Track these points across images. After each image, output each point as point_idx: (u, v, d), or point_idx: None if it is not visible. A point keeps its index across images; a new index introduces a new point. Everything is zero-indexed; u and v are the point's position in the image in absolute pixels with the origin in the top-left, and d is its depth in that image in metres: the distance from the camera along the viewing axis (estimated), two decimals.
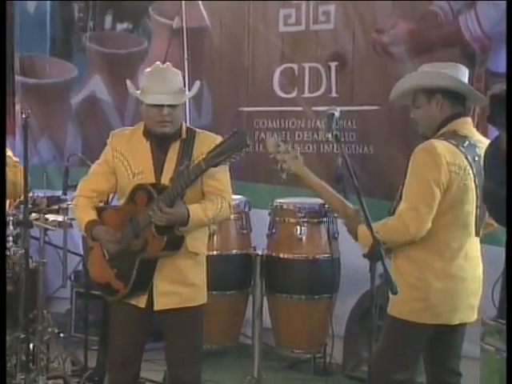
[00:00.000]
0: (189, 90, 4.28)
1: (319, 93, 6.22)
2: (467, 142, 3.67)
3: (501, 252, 3.48)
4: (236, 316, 5.41)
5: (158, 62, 4.21)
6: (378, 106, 5.77)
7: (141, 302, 4.08)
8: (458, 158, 3.61)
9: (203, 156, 3.82)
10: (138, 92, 4.07)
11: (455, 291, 3.70)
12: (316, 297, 5.24)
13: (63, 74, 7.67)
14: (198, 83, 4.19)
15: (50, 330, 5.39)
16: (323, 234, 5.22)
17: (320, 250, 5.20)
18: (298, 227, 5.21)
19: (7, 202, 6.13)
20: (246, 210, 5.42)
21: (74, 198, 4.27)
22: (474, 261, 3.78)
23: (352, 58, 6.03)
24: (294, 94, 6.35)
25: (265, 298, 5.31)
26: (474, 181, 3.66)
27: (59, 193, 5.69)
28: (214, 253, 5.26)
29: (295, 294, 5.20)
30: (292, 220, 5.24)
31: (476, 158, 3.68)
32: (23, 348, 5.17)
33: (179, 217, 3.91)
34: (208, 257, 5.22)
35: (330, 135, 3.51)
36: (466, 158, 3.64)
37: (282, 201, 5.30)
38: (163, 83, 4.02)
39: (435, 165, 3.55)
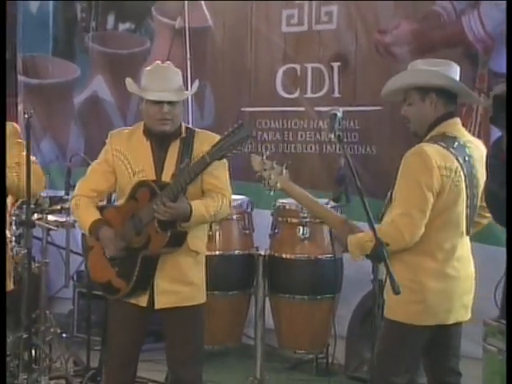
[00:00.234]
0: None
1: (322, 93, 6.22)
2: (457, 143, 3.66)
3: (504, 252, 3.47)
4: (238, 316, 5.41)
5: (158, 61, 4.24)
6: (381, 106, 5.76)
7: (141, 300, 4.08)
8: (448, 160, 3.60)
9: (207, 150, 3.85)
10: (139, 90, 4.09)
11: (450, 291, 3.70)
12: (318, 297, 5.24)
13: (66, 74, 7.67)
14: (197, 82, 4.24)
15: (52, 330, 5.39)
16: (325, 234, 5.21)
17: (322, 250, 5.21)
18: (301, 227, 5.21)
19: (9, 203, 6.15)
20: (249, 210, 5.43)
21: (72, 197, 4.25)
22: (465, 260, 3.78)
23: (354, 59, 6.02)
24: (296, 95, 6.34)
25: (267, 299, 5.31)
26: (465, 181, 3.66)
27: (62, 193, 5.70)
28: (217, 253, 5.28)
29: (298, 294, 5.21)
30: (294, 220, 5.24)
31: (466, 159, 3.67)
32: (26, 348, 5.17)
33: (182, 212, 3.92)
34: (210, 257, 5.24)
35: (332, 135, 3.51)
36: (457, 160, 3.63)
37: (284, 201, 5.29)
38: (164, 81, 4.05)
39: (426, 169, 3.54)
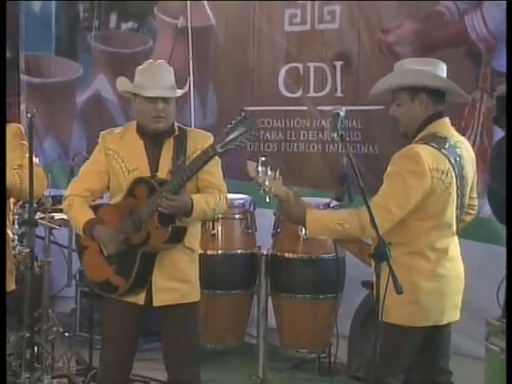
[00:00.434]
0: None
1: (324, 92, 6.21)
2: (448, 144, 3.65)
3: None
4: (241, 316, 5.41)
5: (150, 60, 4.27)
6: (383, 105, 5.75)
7: (140, 298, 4.10)
8: (440, 162, 3.59)
9: (210, 144, 3.89)
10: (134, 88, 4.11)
11: (442, 291, 3.70)
12: (321, 296, 5.24)
13: (68, 73, 7.68)
14: (188, 80, 4.24)
15: (54, 329, 5.40)
16: None
17: (325, 249, 5.20)
18: (303, 227, 5.20)
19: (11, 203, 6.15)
20: (251, 209, 5.43)
21: (65, 198, 4.25)
22: (455, 259, 3.78)
23: (357, 58, 6.02)
24: (299, 94, 6.34)
25: (270, 298, 5.31)
26: (456, 182, 3.65)
27: (64, 192, 5.69)
28: (219, 252, 5.28)
29: (300, 293, 5.21)
30: None
31: (457, 159, 3.66)
32: (28, 347, 5.17)
33: (184, 206, 3.94)
34: (213, 256, 5.26)
35: (335, 135, 3.50)
36: (449, 161, 3.62)
37: None
38: (158, 79, 4.08)
39: (416, 171, 3.53)
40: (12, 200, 6.06)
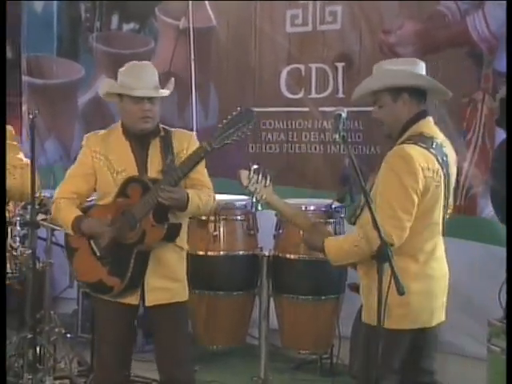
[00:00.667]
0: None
1: (326, 93, 6.21)
2: (435, 143, 3.64)
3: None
4: (242, 317, 5.41)
5: (133, 61, 4.25)
6: None
7: (133, 298, 4.11)
8: (430, 161, 3.57)
9: (207, 139, 3.92)
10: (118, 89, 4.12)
11: (430, 292, 3.67)
12: (323, 297, 5.24)
13: (70, 74, 7.68)
14: (172, 80, 4.25)
15: (56, 330, 5.40)
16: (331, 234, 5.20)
17: None
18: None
19: (11, 204, 6.16)
20: (253, 210, 5.42)
21: (52, 202, 4.25)
22: (441, 260, 3.74)
23: (359, 59, 6.02)
24: (300, 95, 6.34)
25: (271, 299, 5.31)
26: (444, 181, 3.64)
27: None
28: (221, 253, 5.28)
29: (302, 294, 5.20)
30: None
31: (444, 158, 3.64)
32: (30, 348, 5.17)
33: (181, 199, 3.98)
34: (215, 257, 5.26)
35: (336, 136, 3.49)
36: (437, 160, 3.61)
37: (288, 201, 5.28)
38: (144, 79, 4.09)
39: (411, 172, 3.50)
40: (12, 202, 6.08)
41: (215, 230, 5.26)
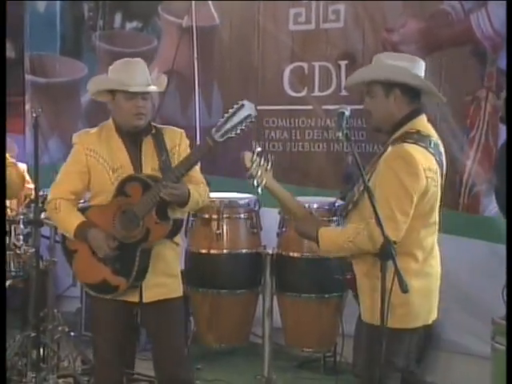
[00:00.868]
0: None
1: (329, 91, 6.21)
2: (432, 143, 3.63)
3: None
4: (246, 315, 5.41)
5: (125, 58, 4.28)
6: None
7: (134, 296, 4.12)
8: (430, 162, 3.56)
9: (208, 134, 3.96)
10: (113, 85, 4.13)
11: (430, 290, 3.68)
12: (326, 296, 5.23)
13: (73, 73, 7.68)
14: (165, 78, 4.29)
15: (60, 328, 5.40)
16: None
17: None
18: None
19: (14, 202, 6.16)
20: (256, 208, 5.42)
21: (48, 202, 4.21)
22: (437, 257, 3.74)
23: (362, 57, 6.01)
24: (303, 93, 6.34)
25: (275, 297, 5.30)
26: (440, 180, 3.63)
27: None
28: (224, 252, 5.28)
29: (305, 292, 5.20)
30: None
31: (440, 157, 3.64)
32: (34, 347, 5.18)
33: (182, 194, 4.00)
34: (218, 256, 5.26)
35: (340, 134, 3.49)
36: (435, 159, 3.60)
37: None
38: (138, 75, 4.11)
39: (413, 173, 3.49)
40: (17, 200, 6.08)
41: (218, 228, 5.26)
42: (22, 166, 6.51)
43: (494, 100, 5.36)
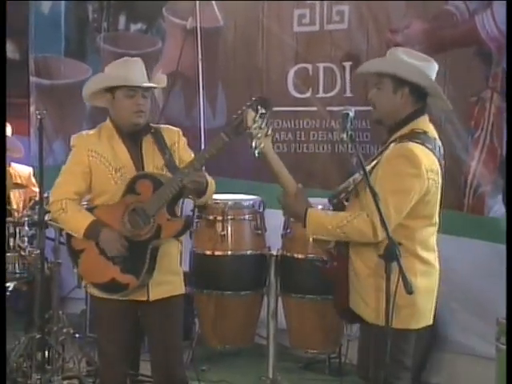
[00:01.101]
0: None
1: (333, 93, 6.21)
2: (437, 145, 3.63)
3: None
4: (250, 316, 5.40)
5: (124, 57, 4.28)
6: None
7: (142, 294, 4.11)
8: (433, 163, 3.55)
9: (223, 129, 3.95)
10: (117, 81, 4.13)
11: (433, 290, 3.68)
12: (331, 297, 5.21)
13: (77, 74, 7.68)
14: (164, 76, 4.31)
15: (65, 330, 5.41)
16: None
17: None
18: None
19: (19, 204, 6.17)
20: (261, 210, 5.42)
21: (53, 202, 4.18)
22: (437, 257, 3.74)
23: (366, 58, 5.98)
24: (308, 94, 6.34)
25: (279, 299, 5.30)
26: (441, 181, 3.63)
27: None
28: (229, 253, 5.27)
29: (310, 294, 5.19)
30: None
31: (441, 159, 3.64)
32: (39, 348, 5.18)
33: (204, 182, 4.03)
34: (223, 257, 5.25)
35: (344, 135, 3.49)
36: (438, 161, 3.60)
37: None
38: (138, 73, 4.14)
39: (415, 174, 3.48)
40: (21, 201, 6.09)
41: (223, 229, 5.25)
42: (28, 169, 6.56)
43: (499, 101, 5.36)
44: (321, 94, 6.28)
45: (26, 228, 5.50)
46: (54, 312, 5.42)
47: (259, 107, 3.72)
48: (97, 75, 4.39)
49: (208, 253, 5.26)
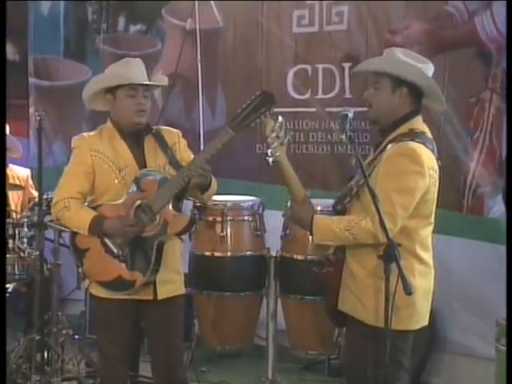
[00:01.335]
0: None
1: (333, 94, 6.21)
2: (435, 146, 3.63)
3: None
4: (250, 318, 5.40)
5: (125, 58, 4.30)
6: None
7: (148, 293, 4.11)
8: (433, 162, 3.57)
9: (228, 123, 3.97)
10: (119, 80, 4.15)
11: (430, 291, 3.68)
12: None
13: (77, 75, 7.68)
14: (165, 78, 4.38)
15: (64, 331, 5.41)
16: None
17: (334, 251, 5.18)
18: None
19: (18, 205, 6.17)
20: (260, 211, 5.41)
21: (57, 201, 4.17)
22: (432, 257, 3.74)
23: (365, 59, 5.98)
24: (307, 95, 6.34)
25: (279, 300, 5.30)
26: (438, 181, 3.64)
27: None
28: (228, 254, 5.27)
29: (309, 295, 5.18)
30: None
31: (438, 160, 3.64)
32: (38, 350, 5.18)
33: (209, 175, 4.04)
34: (222, 258, 5.25)
35: (343, 136, 3.49)
36: (436, 161, 3.60)
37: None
38: (140, 71, 4.17)
39: (418, 172, 3.49)
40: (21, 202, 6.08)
41: (222, 230, 5.25)
42: (26, 171, 6.55)
43: (498, 102, 5.36)
44: (320, 95, 6.28)
45: (26, 229, 5.50)
46: (54, 313, 5.42)
47: (278, 117, 3.74)
48: (97, 76, 4.40)
49: (207, 254, 5.26)
